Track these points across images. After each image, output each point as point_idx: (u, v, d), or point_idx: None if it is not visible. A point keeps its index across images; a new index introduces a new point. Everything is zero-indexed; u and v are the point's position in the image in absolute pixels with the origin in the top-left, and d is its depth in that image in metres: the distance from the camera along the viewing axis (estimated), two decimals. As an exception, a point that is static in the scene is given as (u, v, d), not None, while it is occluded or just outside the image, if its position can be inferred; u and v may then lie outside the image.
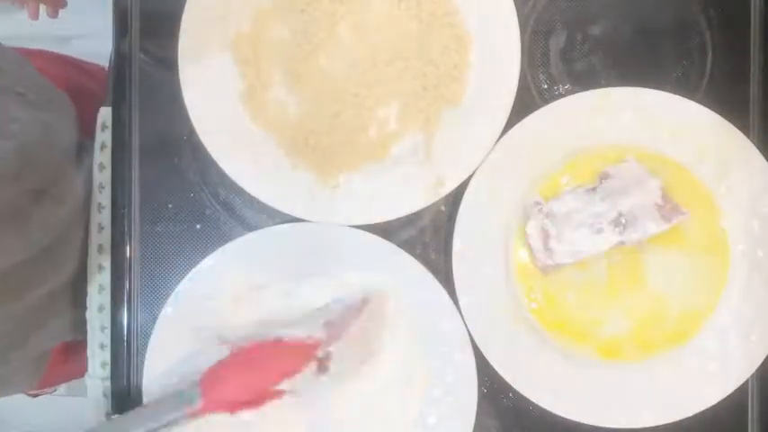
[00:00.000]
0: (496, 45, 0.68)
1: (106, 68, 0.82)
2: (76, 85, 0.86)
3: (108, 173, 0.73)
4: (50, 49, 0.94)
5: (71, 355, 0.84)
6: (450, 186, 0.67)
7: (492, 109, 0.68)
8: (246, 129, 0.69)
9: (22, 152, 0.67)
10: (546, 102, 0.69)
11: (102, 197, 0.74)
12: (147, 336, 0.69)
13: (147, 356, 0.69)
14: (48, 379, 0.85)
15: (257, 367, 0.64)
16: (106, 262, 0.73)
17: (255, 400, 0.63)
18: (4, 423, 1.46)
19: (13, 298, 0.69)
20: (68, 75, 0.89)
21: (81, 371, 0.77)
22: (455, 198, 0.69)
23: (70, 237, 0.75)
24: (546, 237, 0.67)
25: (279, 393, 0.64)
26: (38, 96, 0.76)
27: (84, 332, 0.75)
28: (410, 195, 0.68)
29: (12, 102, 0.71)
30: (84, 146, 0.79)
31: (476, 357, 0.68)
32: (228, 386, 0.63)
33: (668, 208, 0.66)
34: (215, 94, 0.69)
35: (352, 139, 0.69)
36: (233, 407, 0.63)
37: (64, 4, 0.89)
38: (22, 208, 0.67)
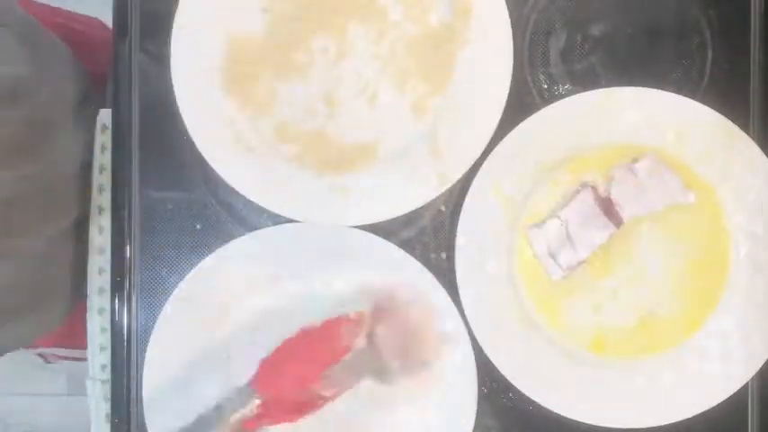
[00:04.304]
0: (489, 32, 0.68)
1: (101, 19, 0.81)
2: (73, 33, 0.84)
3: (108, 174, 0.73)
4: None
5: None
6: (447, 184, 0.68)
7: (488, 100, 0.68)
8: (243, 130, 0.69)
9: (15, 77, 0.65)
10: (546, 102, 0.69)
11: (103, 199, 0.74)
12: (147, 336, 0.69)
13: (146, 357, 0.69)
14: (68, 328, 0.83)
15: (309, 353, 0.63)
16: (106, 264, 0.73)
17: (312, 402, 0.62)
18: (4, 423, 1.46)
19: (22, 231, 0.67)
20: (61, 22, 0.86)
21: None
22: (455, 198, 0.69)
23: (71, 177, 0.74)
24: (553, 253, 0.68)
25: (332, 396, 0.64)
26: (26, 31, 0.73)
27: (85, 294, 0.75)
28: (409, 194, 0.68)
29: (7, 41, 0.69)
30: (88, 96, 0.77)
31: (476, 357, 0.68)
32: (285, 379, 0.62)
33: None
34: (208, 97, 0.69)
35: (350, 138, 0.69)
36: (292, 409, 0.62)
37: None
38: (20, 137, 0.66)
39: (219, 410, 0.63)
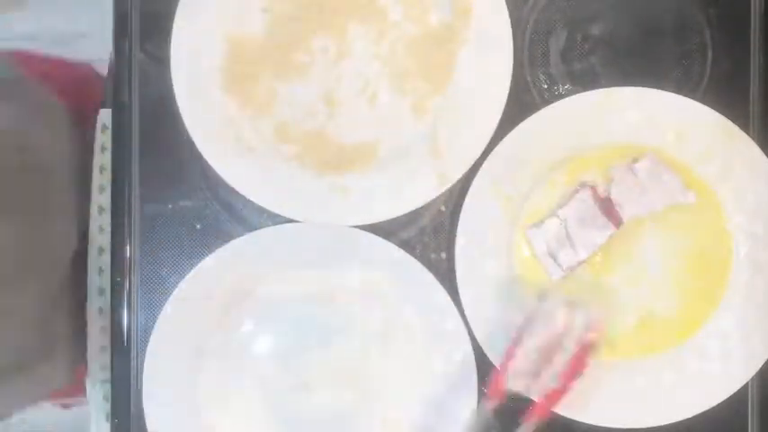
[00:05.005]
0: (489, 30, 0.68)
1: (96, 68, 0.81)
2: (71, 84, 0.85)
3: (108, 175, 0.73)
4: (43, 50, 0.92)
5: None
6: (447, 184, 0.68)
7: (488, 100, 0.68)
8: (242, 131, 0.69)
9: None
10: (546, 102, 0.69)
11: (103, 199, 0.74)
12: (147, 336, 0.69)
13: (146, 357, 0.69)
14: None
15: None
16: (106, 264, 0.73)
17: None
18: (4, 423, 1.46)
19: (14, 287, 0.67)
20: (59, 74, 0.87)
21: None
22: (455, 198, 0.69)
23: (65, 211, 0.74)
24: (553, 253, 0.68)
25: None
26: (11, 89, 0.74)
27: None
28: (409, 194, 0.68)
29: None
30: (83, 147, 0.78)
31: (476, 357, 0.68)
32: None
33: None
34: (208, 97, 0.69)
35: (350, 138, 0.69)
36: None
37: None
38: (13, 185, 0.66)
39: None
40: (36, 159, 0.71)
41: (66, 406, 0.98)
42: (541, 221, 0.68)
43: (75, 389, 0.82)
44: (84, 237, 0.75)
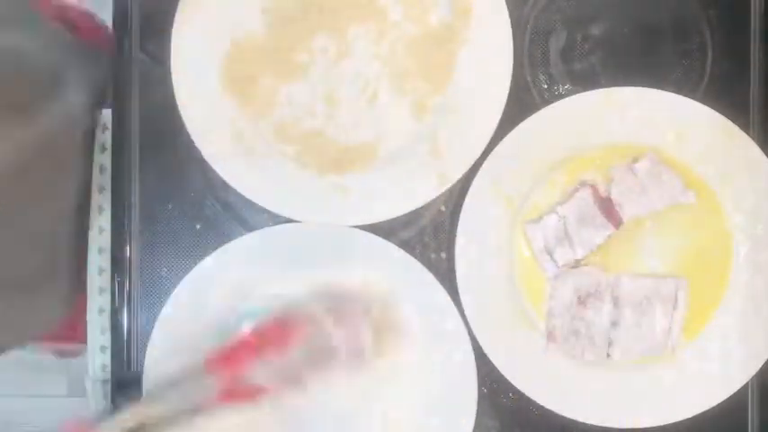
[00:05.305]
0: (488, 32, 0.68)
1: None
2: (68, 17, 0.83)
3: (108, 174, 0.73)
4: None
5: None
6: (447, 184, 0.68)
7: (488, 100, 0.68)
8: (242, 131, 0.69)
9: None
10: (546, 102, 0.69)
11: (103, 199, 0.74)
12: (147, 336, 0.69)
13: (146, 357, 0.69)
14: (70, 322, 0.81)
15: (263, 343, 0.63)
16: (106, 264, 0.73)
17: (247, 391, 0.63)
18: (4, 423, 1.47)
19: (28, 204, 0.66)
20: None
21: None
22: (455, 198, 0.69)
23: (75, 144, 0.73)
24: (550, 249, 0.68)
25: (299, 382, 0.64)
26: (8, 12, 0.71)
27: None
28: (409, 194, 0.68)
29: None
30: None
31: (476, 357, 0.68)
32: (238, 362, 0.62)
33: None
34: (208, 97, 0.69)
35: (350, 138, 0.69)
36: (251, 391, 0.62)
37: None
38: (21, 95, 0.64)
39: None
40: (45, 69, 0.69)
41: (62, 353, 0.97)
42: (540, 217, 0.68)
43: (72, 331, 0.81)
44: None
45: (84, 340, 0.76)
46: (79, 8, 0.90)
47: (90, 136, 0.75)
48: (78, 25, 0.83)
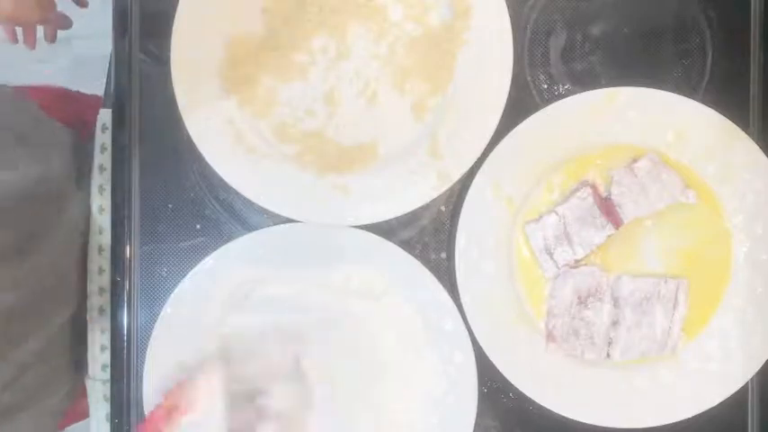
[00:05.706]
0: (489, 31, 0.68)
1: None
2: (78, 119, 0.84)
3: (108, 174, 0.73)
4: (51, 84, 0.91)
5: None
6: (447, 184, 0.68)
7: (488, 100, 0.68)
8: (243, 132, 0.69)
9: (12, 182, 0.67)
10: (546, 102, 0.69)
11: (103, 199, 0.74)
12: (147, 336, 0.69)
13: (146, 357, 0.69)
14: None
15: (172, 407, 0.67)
16: (106, 264, 0.73)
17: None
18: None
19: (22, 338, 0.67)
20: (69, 109, 0.86)
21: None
22: (455, 198, 0.69)
23: (67, 279, 0.74)
24: (549, 249, 0.68)
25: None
26: (37, 135, 0.75)
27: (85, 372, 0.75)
28: (409, 194, 0.68)
29: (8, 144, 0.70)
30: (82, 173, 0.77)
31: (476, 357, 0.68)
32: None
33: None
34: (208, 97, 0.69)
35: (350, 138, 0.69)
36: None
37: (68, 25, 0.86)
38: (20, 235, 0.67)
39: None
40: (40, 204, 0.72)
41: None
42: (540, 217, 0.68)
43: (76, 413, 0.82)
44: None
45: (86, 416, 0.78)
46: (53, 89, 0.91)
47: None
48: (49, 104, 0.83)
